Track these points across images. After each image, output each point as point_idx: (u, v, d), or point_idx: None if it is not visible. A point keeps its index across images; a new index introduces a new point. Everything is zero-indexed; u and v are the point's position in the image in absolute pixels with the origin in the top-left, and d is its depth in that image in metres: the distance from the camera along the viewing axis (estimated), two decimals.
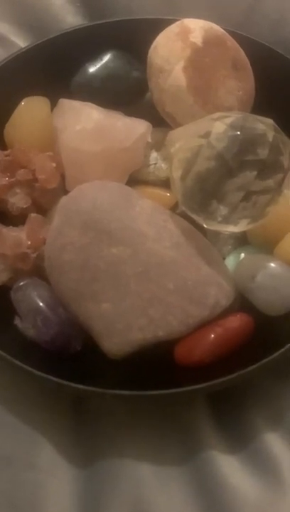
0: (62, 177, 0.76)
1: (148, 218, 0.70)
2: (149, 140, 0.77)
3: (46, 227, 0.72)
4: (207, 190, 0.67)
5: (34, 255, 0.71)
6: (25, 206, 0.74)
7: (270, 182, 0.67)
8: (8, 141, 0.78)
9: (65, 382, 0.64)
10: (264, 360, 0.66)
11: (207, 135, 0.67)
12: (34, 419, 0.68)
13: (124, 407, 0.68)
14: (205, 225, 0.70)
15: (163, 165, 0.76)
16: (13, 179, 0.74)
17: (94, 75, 0.79)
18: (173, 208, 0.74)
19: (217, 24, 0.76)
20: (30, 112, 0.78)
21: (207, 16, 0.77)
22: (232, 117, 0.67)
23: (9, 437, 0.67)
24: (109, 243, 0.68)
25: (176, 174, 0.69)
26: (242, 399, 0.69)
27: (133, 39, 0.79)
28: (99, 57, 0.79)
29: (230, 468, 0.65)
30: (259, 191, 0.67)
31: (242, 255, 0.73)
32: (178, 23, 0.75)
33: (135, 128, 0.76)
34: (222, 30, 0.76)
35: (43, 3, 0.90)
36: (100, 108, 0.76)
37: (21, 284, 0.70)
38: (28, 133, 0.77)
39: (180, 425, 0.68)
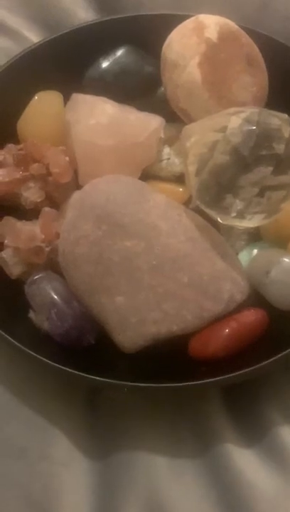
0: (75, 172, 0.76)
1: (162, 212, 0.70)
2: (162, 135, 0.77)
3: (59, 221, 0.72)
4: (222, 185, 0.67)
5: (48, 249, 0.71)
6: (38, 200, 0.74)
7: (285, 178, 0.67)
8: (21, 135, 0.78)
9: (83, 374, 0.65)
10: (279, 355, 0.66)
11: (222, 130, 0.67)
12: (49, 411, 0.68)
13: (139, 399, 0.69)
14: (219, 220, 0.70)
15: (175, 160, 0.76)
16: (26, 173, 0.74)
17: (106, 70, 0.79)
18: (186, 204, 0.74)
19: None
20: (43, 106, 0.78)
21: (219, 12, 0.77)
22: (248, 112, 0.68)
23: (24, 429, 0.67)
24: (122, 237, 0.68)
25: (191, 169, 0.69)
26: (256, 393, 0.69)
27: (146, 34, 0.79)
28: (112, 52, 0.79)
29: (245, 461, 0.65)
30: (274, 186, 0.67)
31: (255, 251, 0.73)
32: (192, 18, 0.75)
33: (148, 123, 0.76)
34: (237, 27, 0.76)
35: None
36: (114, 102, 0.76)
37: (36, 277, 0.70)
38: (41, 127, 0.77)
39: (195, 418, 0.68)
